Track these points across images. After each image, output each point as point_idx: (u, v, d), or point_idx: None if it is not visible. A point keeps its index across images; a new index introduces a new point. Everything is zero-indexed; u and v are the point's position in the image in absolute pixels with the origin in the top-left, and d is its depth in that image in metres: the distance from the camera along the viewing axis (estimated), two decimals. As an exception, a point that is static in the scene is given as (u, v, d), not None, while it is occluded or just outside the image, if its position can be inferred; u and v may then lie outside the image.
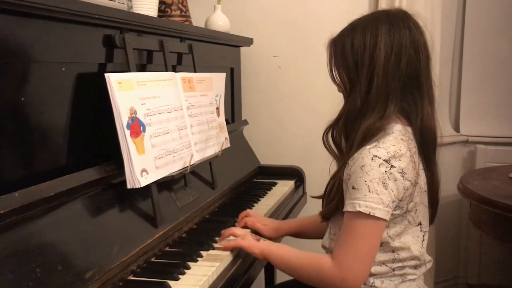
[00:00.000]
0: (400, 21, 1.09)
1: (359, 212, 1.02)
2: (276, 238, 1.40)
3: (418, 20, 1.12)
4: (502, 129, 2.52)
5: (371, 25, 1.09)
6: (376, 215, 1.01)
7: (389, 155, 1.03)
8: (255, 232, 1.36)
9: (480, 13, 2.52)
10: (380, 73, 1.06)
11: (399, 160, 1.04)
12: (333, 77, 1.17)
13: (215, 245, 1.24)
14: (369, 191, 1.01)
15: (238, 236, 1.22)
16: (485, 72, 2.56)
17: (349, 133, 1.13)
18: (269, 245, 1.19)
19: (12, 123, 0.93)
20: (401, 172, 1.03)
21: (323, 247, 1.22)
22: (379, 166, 1.02)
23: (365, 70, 1.08)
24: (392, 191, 1.03)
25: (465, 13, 2.54)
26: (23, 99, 0.95)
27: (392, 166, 1.03)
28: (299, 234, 1.43)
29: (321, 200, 1.21)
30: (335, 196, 1.11)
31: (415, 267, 1.13)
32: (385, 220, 1.03)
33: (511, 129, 2.51)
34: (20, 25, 0.93)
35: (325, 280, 1.07)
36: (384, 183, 1.02)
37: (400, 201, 1.06)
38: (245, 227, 1.38)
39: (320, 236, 1.26)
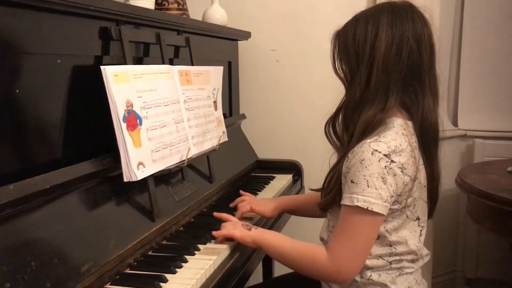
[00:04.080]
0: (403, 12, 1.07)
1: (357, 207, 1.01)
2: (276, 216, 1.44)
3: (424, 12, 1.10)
4: (500, 123, 2.52)
5: (374, 16, 1.08)
6: (374, 210, 1.01)
7: (390, 149, 1.02)
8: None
9: (478, 7, 2.51)
10: (380, 64, 1.05)
11: (400, 155, 1.03)
12: (336, 69, 1.16)
13: (213, 237, 1.23)
14: (368, 186, 1.01)
15: (230, 221, 1.23)
16: (483, 66, 2.55)
17: (348, 125, 1.12)
18: (262, 234, 1.18)
19: (7, 116, 0.92)
20: (401, 168, 1.03)
21: (321, 239, 1.22)
22: (379, 160, 1.01)
23: (365, 61, 1.07)
24: (391, 186, 1.02)
25: (464, 6, 2.54)
26: (18, 91, 0.94)
27: (392, 161, 1.02)
28: (297, 211, 1.46)
29: (319, 194, 1.20)
30: (333, 188, 1.11)
31: (412, 261, 1.13)
32: (382, 215, 1.03)
33: (509, 123, 2.51)
34: (15, 17, 0.92)
35: (320, 271, 1.08)
36: (383, 178, 1.01)
37: (398, 196, 1.05)
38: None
39: (319, 215, 1.26)
